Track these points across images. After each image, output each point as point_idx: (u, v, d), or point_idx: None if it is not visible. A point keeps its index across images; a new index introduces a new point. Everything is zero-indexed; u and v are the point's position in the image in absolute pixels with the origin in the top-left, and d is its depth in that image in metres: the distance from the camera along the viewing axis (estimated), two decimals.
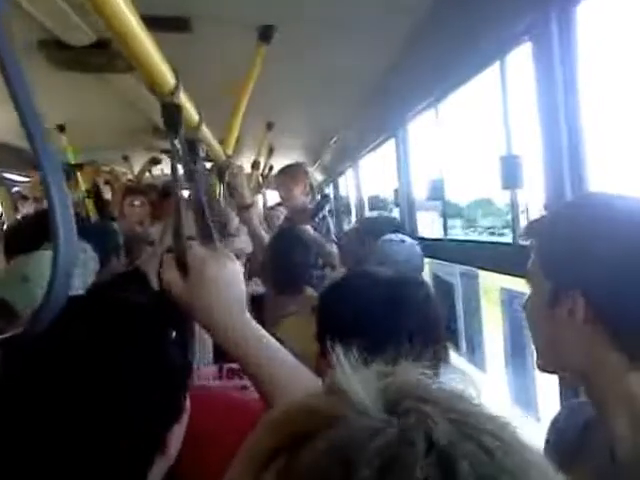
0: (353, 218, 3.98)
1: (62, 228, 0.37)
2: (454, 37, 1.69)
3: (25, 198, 3.96)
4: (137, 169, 4.39)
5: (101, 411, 0.54)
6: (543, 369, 0.76)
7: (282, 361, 0.67)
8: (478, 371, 2.10)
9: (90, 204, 3.34)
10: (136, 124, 3.14)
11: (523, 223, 1.59)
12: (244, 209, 1.94)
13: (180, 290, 0.67)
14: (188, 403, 0.65)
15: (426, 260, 2.39)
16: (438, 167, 2.47)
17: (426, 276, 2.45)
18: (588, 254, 0.65)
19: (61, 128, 2.92)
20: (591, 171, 1.22)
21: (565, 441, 0.77)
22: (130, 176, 4.60)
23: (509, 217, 1.67)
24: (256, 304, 1.76)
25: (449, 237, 2.46)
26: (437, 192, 2.46)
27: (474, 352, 2.16)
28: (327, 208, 2.97)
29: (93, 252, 1.57)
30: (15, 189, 4.01)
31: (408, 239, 2.15)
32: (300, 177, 2.98)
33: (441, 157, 2.47)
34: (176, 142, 0.75)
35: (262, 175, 4.15)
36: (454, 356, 2.16)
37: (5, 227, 3.03)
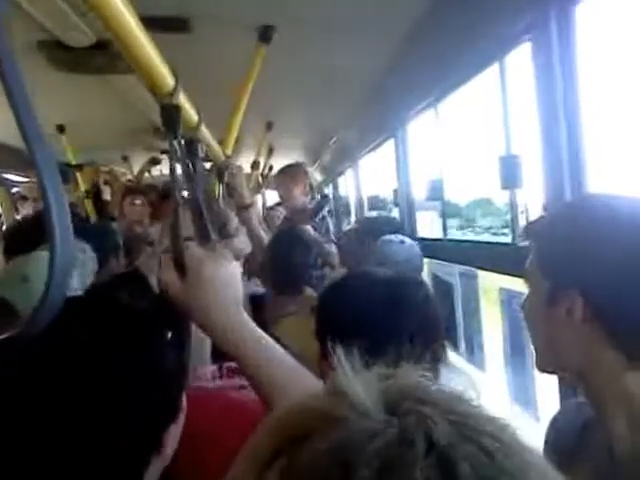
0: (352, 218, 3.98)
1: (58, 229, 0.37)
2: (453, 37, 1.69)
3: (25, 198, 3.96)
4: (136, 169, 4.39)
5: (97, 411, 0.54)
6: (542, 369, 0.76)
7: (280, 362, 0.67)
8: (477, 371, 2.10)
9: (89, 204, 3.34)
10: (136, 124, 3.14)
11: (522, 223, 1.60)
12: (243, 209, 1.94)
13: (177, 290, 0.67)
14: (185, 403, 0.65)
15: (425, 260, 2.40)
16: (437, 167, 2.47)
17: (425, 276, 2.46)
18: (589, 255, 0.65)
19: (61, 128, 2.92)
20: (591, 171, 1.22)
21: (564, 441, 0.77)
22: (129, 176, 4.60)
23: (508, 217, 1.67)
24: (256, 304, 1.76)
25: (448, 237, 2.46)
26: (436, 192, 2.46)
27: (473, 352, 2.16)
28: (327, 208, 2.97)
29: (92, 252, 1.57)
30: (15, 189, 4.01)
31: (408, 240, 2.15)
32: (300, 177, 2.98)
33: (440, 157, 2.47)
34: (175, 143, 0.75)
35: (262, 175, 4.15)
36: (454, 356, 2.16)
37: (4, 227, 3.04)
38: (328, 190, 5.22)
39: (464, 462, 0.27)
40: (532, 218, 1.16)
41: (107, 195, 3.92)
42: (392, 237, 2.13)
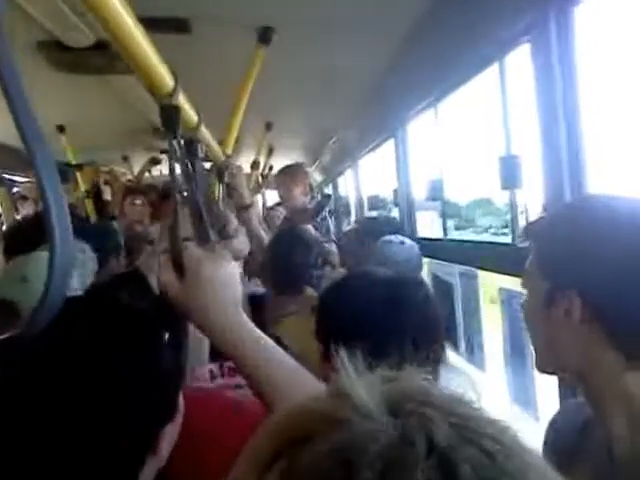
0: (352, 218, 3.98)
1: (58, 229, 0.37)
2: (453, 37, 1.69)
3: (25, 198, 3.96)
4: (137, 169, 4.39)
5: (94, 410, 0.54)
6: (541, 370, 0.77)
7: (280, 362, 0.67)
8: (477, 370, 2.10)
9: (90, 204, 3.35)
10: (136, 124, 3.15)
11: (522, 223, 1.60)
12: (243, 209, 1.94)
13: (176, 291, 0.67)
14: (182, 403, 0.65)
15: (425, 260, 2.40)
16: (437, 167, 2.47)
17: (425, 276, 2.46)
18: (588, 255, 0.65)
19: (61, 129, 2.92)
20: (590, 171, 1.22)
21: (563, 441, 0.77)
22: (129, 176, 4.60)
23: (508, 217, 1.67)
24: (256, 304, 1.76)
25: (448, 237, 2.46)
26: (436, 192, 2.46)
27: (473, 352, 2.16)
28: (328, 208, 2.97)
29: (92, 252, 1.57)
30: (15, 189, 4.01)
31: (408, 240, 2.15)
32: (300, 177, 2.98)
33: (440, 157, 2.47)
34: (174, 143, 0.75)
35: (261, 175, 4.15)
36: (454, 356, 2.16)
37: (5, 227, 3.04)
38: (328, 190, 5.23)
39: (465, 464, 0.27)
40: (532, 218, 1.16)
41: (107, 195, 3.92)
42: (392, 238, 2.13)
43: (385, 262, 1.95)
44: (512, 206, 1.66)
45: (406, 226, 2.71)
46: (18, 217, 3.40)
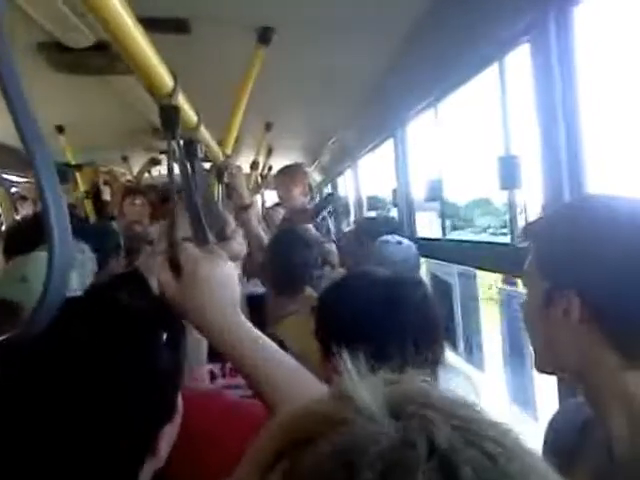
0: (352, 218, 3.99)
1: (57, 229, 0.37)
2: (453, 38, 1.69)
3: (24, 199, 3.96)
4: (136, 170, 4.39)
5: (93, 411, 0.54)
6: (541, 370, 0.77)
7: (279, 362, 0.67)
8: (476, 370, 2.10)
9: (89, 205, 3.34)
10: (135, 125, 3.15)
11: (521, 223, 1.60)
12: (243, 209, 1.94)
13: (173, 291, 0.67)
14: (180, 404, 0.65)
15: (424, 260, 2.40)
16: (437, 167, 2.48)
17: (424, 276, 2.46)
18: (588, 255, 0.65)
19: (60, 129, 2.92)
20: (590, 172, 1.22)
21: (563, 441, 0.77)
22: (129, 177, 4.60)
23: (506, 217, 1.67)
24: (256, 304, 1.76)
25: (447, 237, 2.47)
26: (435, 192, 2.46)
27: (472, 352, 2.16)
28: (329, 208, 2.98)
29: (91, 253, 1.57)
30: (14, 190, 4.01)
31: (405, 240, 2.15)
32: (299, 177, 2.98)
33: (440, 157, 2.47)
34: (173, 143, 0.75)
35: (261, 175, 4.15)
36: (453, 356, 2.16)
37: (4, 228, 3.04)
38: (327, 190, 5.23)
39: (466, 466, 0.27)
40: (531, 218, 1.16)
41: (106, 195, 3.92)
42: (389, 238, 2.13)
43: (383, 262, 1.95)
44: (511, 206, 1.66)
45: (405, 226, 2.71)
46: (17, 217, 3.40)
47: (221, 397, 1.05)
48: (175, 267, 0.67)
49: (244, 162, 3.53)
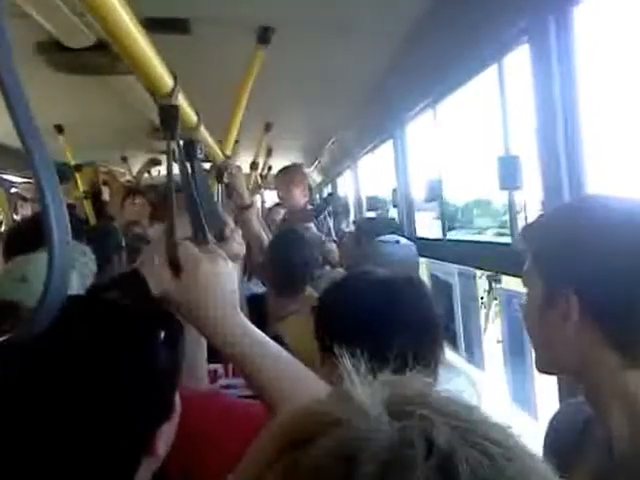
0: (351, 218, 3.99)
1: (56, 230, 0.37)
2: (452, 39, 1.70)
3: (24, 199, 3.96)
4: (135, 170, 4.39)
5: (91, 411, 0.54)
6: (541, 370, 0.77)
7: (279, 361, 0.67)
8: (477, 370, 2.10)
9: (88, 205, 3.34)
10: (135, 125, 3.15)
11: (521, 224, 1.60)
12: (243, 209, 1.94)
13: (173, 290, 0.67)
14: (178, 403, 0.65)
15: (424, 260, 2.40)
16: (436, 168, 2.48)
17: (424, 276, 2.46)
18: (587, 255, 0.65)
19: (59, 129, 2.92)
20: (589, 172, 1.22)
21: (563, 440, 0.77)
22: (128, 177, 4.60)
23: (504, 218, 1.67)
24: (256, 304, 1.76)
25: (447, 237, 2.47)
26: (435, 193, 2.46)
27: (472, 351, 2.16)
28: (330, 208, 2.98)
29: (92, 254, 1.57)
30: (13, 190, 4.01)
31: (403, 240, 2.15)
32: (299, 178, 2.99)
33: (439, 158, 2.47)
34: (173, 143, 0.75)
35: (261, 175, 4.15)
36: (453, 355, 2.16)
37: (4, 228, 3.04)
38: (327, 191, 5.23)
39: (464, 465, 0.27)
40: (530, 219, 1.16)
41: (106, 195, 3.92)
42: (388, 237, 2.13)
43: (382, 262, 1.95)
44: (511, 206, 1.66)
45: (405, 226, 2.71)
46: (17, 218, 3.40)
47: (220, 397, 1.05)
48: (175, 267, 0.67)
49: (244, 162, 3.53)
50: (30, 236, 1.32)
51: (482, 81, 1.81)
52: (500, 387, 1.94)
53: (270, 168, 4.45)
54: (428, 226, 3.08)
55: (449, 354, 1.65)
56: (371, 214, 3.60)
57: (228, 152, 1.75)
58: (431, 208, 2.93)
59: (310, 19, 1.74)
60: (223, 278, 0.68)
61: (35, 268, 1.17)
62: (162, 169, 4.42)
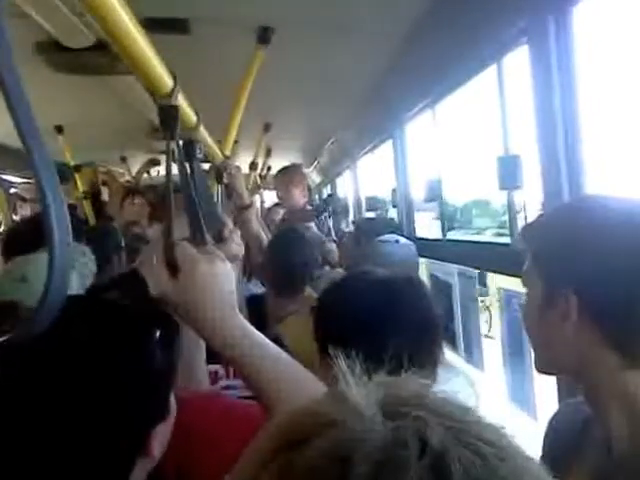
0: (350, 219, 3.99)
1: (57, 230, 0.37)
2: (452, 39, 1.70)
3: (23, 200, 3.95)
4: (135, 170, 4.39)
5: (83, 411, 0.54)
6: (540, 370, 0.77)
7: (278, 362, 0.67)
8: (476, 370, 2.11)
9: (88, 205, 3.34)
10: (134, 125, 3.14)
11: (521, 224, 1.60)
12: (243, 210, 1.94)
13: (171, 291, 0.66)
14: (174, 403, 0.65)
15: (424, 260, 2.40)
16: (436, 168, 2.48)
17: (424, 276, 2.46)
18: (587, 255, 0.66)
19: (59, 129, 2.92)
20: (588, 172, 1.22)
21: (563, 441, 0.77)
22: (128, 177, 4.60)
23: (503, 218, 1.68)
24: (256, 304, 1.76)
25: (447, 238, 2.47)
26: (434, 193, 2.46)
27: (472, 352, 2.16)
28: (328, 210, 2.98)
29: (91, 254, 1.58)
30: (13, 190, 4.01)
31: (402, 239, 2.15)
32: (298, 178, 2.99)
33: (438, 158, 2.47)
34: (172, 144, 0.75)
35: (260, 176, 4.16)
36: (453, 356, 2.16)
37: (3, 229, 3.03)
38: (326, 191, 5.23)
39: (457, 464, 0.28)
40: (530, 219, 1.17)
41: (105, 196, 3.91)
42: (387, 237, 2.13)
43: (381, 261, 1.95)
44: (510, 206, 1.66)
45: (405, 226, 2.71)
46: (16, 218, 3.40)
47: (220, 398, 1.05)
48: (172, 267, 0.67)
49: (243, 162, 3.53)
50: (29, 237, 1.33)
51: (481, 81, 1.81)
52: (499, 387, 1.94)
53: (269, 168, 4.45)
54: (427, 226, 3.09)
55: (448, 354, 1.65)
56: (370, 214, 3.61)
57: (227, 152, 1.75)
58: (430, 208, 2.93)
59: (309, 19, 1.74)
60: (221, 279, 0.68)
61: (35, 268, 1.17)
62: (162, 169, 4.42)
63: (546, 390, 1.36)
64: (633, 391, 0.65)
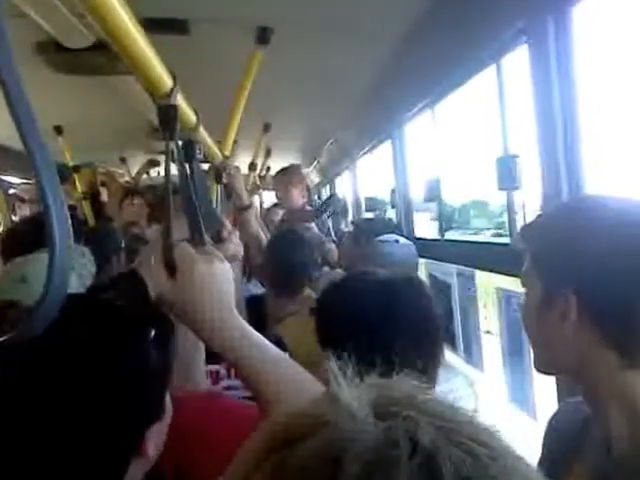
0: (350, 219, 3.99)
1: (57, 230, 0.37)
2: (451, 39, 1.70)
3: (22, 200, 3.95)
4: (134, 171, 4.38)
5: (78, 410, 0.54)
6: (540, 370, 0.77)
7: (277, 363, 0.67)
8: (476, 370, 2.11)
9: (87, 206, 3.33)
10: (134, 125, 3.14)
11: (519, 224, 1.60)
12: (242, 210, 1.94)
13: (169, 291, 0.66)
14: (169, 403, 0.65)
15: (423, 260, 2.40)
16: (435, 168, 2.48)
17: (423, 276, 2.46)
18: (586, 255, 0.66)
19: (58, 129, 2.91)
20: (588, 173, 1.22)
21: (562, 440, 0.77)
22: (127, 178, 4.60)
23: (501, 219, 1.68)
24: (256, 305, 1.76)
25: (445, 238, 2.47)
26: (433, 193, 2.47)
27: (471, 352, 2.16)
28: (329, 210, 2.98)
29: (91, 255, 1.58)
30: (12, 191, 4.01)
31: (402, 239, 2.15)
32: (297, 179, 2.99)
33: (438, 158, 2.48)
34: (171, 144, 0.75)
35: (259, 176, 4.15)
36: (452, 356, 2.16)
37: (1, 229, 3.03)
38: (325, 191, 5.23)
39: (448, 463, 0.28)
40: (529, 219, 1.17)
41: (104, 196, 3.91)
42: (387, 237, 2.13)
43: (381, 261, 1.95)
44: (509, 207, 1.66)
45: (404, 227, 2.71)
46: (15, 219, 3.39)
47: (220, 399, 1.05)
48: (171, 268, 0.67)
49: (242, 163, 3.53)
50: (28, 237, 1.33)
51: (481, 81, 1.81)
52: (499, 387, 1.94)
53: (269, 169, 4.45)
54: (426, 227, 3.09)
55: (447, 354, 1.65)
56: (369, 215, 3.61)
57: (227, 152, 1.75)
58: (429, 209, 2.93)
59: (309, 19, 1.74)
60: (219, 279, 0.68)
61: (34, 269, 1.17)
62: (162, 170, 4.41)
63: (546, 390, 1.36)
64: (632, 391, 0.65)
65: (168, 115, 0.75)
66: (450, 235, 2.59)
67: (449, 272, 2.28)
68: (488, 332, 2.31)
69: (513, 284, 1.70)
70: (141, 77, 0.72)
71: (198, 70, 1.98)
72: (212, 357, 1.01)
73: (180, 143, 0.81)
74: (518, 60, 1.45)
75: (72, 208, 3.11)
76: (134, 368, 0.59)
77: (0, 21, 0.36)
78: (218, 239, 0.95)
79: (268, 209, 3.81)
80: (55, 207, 0.38)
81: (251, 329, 0.68)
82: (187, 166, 0.85)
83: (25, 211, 3.95)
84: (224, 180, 1.74)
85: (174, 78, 0.78)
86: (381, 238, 2.12)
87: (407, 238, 2.28)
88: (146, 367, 0.60)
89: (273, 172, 3.60)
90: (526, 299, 0.75)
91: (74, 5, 1.30)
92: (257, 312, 1.64)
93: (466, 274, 2.15)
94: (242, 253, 1.06)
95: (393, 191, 2.93)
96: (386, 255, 2.03)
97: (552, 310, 0.68)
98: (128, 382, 0.58)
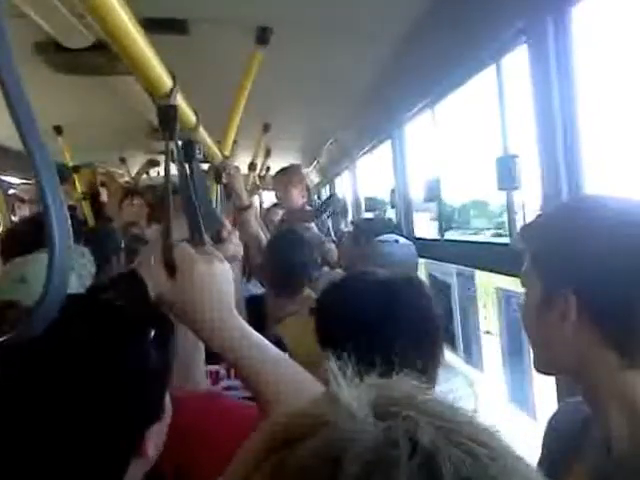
0: (349, 219, 3.99)
1: (57, 230, 0.37)
2: (450, 39, 1.70)
3: (22, 201, 3.95)
4: (134, 171, 4.39)
5: (77, 411, 0.54)
6: (539, 370, 0.77)
7: (276, 363, 0.67)
8: (475, 370, 2.11)
9: (87, 206, 3.33)
10: (133, 125, 3.14)
11: (519, 224, 1.60)
12: (242, 210, 1.94)
13: (169, 291, 0.66)
14: (169, 403, 0.65)
15: (422, 260, 2.40)
16: (435, 168, 2.48)
17: (422, 276, 2.46)
18: (585, 255, 0.66)
19: (58, 130, 2.91)
20: (588, 173, 1.22)
21: (562, 440, 0.77)
22: (127, 178, 4.60)
23: (501, 219, 1.68)
24: (255, 305, 1.76)
25: (445, 238, 2.47)
26: (433, 193, 2.47)
27: (471, 352, 2.16)
28: (329, 210, 2.98)
29: (90, 256, 1.58)
30: (11, 191, 4.01)
31: (402, 239, 2.15)
32: (297, 179, 2.99)
33: (438, 158, 2.48)
34: (171, 144, 0.75)
35: (259, 176, 4.15)
36: (452, 356, 2.16)
37: (1, 230, 3.03)
38: (325, 191, 5.23)
39: (448, 464, 0.28)
40: (529, 219, 1.17)
41: (104, 197, 3.91)
42: (387, 237, 2.13)
43: (380, 261, 1.95)
44: (509, 207, 1.66)
45: (403, 227, 2.71)
46: (15, 219, 3.39)
47: (220, 399, 1.05)
48: (170, 268, 0.67)
49: (242, 163, 3.53)
50: (27, 238, 1.32)
51: (480, 81, 1.81)
52: (499, 387, 1.94)
53: (268, 169, 4.45)
54: (426, 227, 3.09)
55: (447, 354, 1.65)
56: (369, 215, 3.61)
57: (227, 152, 1.75)
58: (428, 209, 2.93)
59: (308, 19, 1.74)
60: (219, 279, 0.68)
61: (34, 269, 1.17)
62: (161, 170, 4.41)
63: (545, 390, 1.36)
64: (632, 391, 0.65)
65: (168, 115, 0.75)
66: (450, 235, 2.59)
67: (449, 272, 2.28)
68: (488, 332, 2.32)
69: (513, 284, 1.70)
70: (141, 77, 0.72)
71: (198, 70, 1.98)
72: (212, 357, 1.01)
73: (180, 143, 0.81)
74: (518, 60, 1.45)
75: (72, 208, 3.11)
76: (134, 368, 0.59)
77: (0, 21, 0.36)
78: (218, 239, 0.95)
79: (268, 209, 3.81)
80: (55, 207, 0.38)
81: (251, 329, 0.68)
82: (187, 166, 0.85)
83: (25, 211, 3.95)
84: (224, 180, 1.74)
85: (174, 78, 0.78)
86: (381, 238, 2.12)
87: (407, 238, 2.28)
88: (146, 367, 0.60)
89: (273, 172, 3.60)
90: (526, 299, 0.75)
91: (74, 5, 1.30)
92: (257, 312, 1.64)
93: (466, 274, 2.15)
94: (242, 253, 1.06)
95: (393, 191, 2.93)
96: (386, 255, 2.03)
97: (552, 310, 0.68)
98: (128, 382, 0.58)
